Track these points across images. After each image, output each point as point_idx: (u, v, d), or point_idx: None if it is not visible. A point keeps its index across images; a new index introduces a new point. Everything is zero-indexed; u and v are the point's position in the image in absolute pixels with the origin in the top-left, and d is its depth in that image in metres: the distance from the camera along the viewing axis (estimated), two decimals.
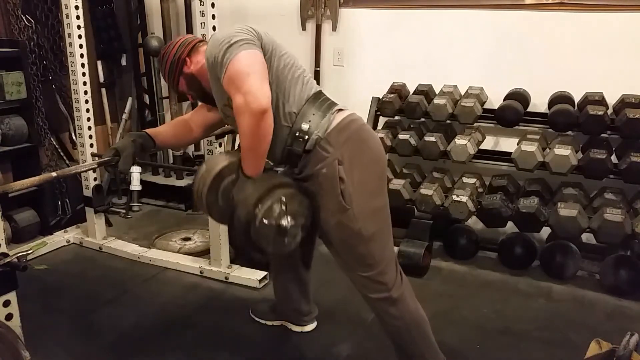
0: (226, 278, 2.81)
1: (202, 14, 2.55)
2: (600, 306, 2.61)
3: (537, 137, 2.95)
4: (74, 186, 3.43)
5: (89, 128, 3.06)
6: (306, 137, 1.70)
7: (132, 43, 4.07)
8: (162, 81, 3.98)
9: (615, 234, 2.59)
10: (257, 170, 1.65)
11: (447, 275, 2.95)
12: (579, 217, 2.66)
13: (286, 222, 1.63)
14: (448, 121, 3.15)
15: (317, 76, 3.62)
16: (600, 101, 2.88)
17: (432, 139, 3.06)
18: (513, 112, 2.98)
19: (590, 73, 2.97)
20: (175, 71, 1.91)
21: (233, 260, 2.89)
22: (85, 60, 2.98)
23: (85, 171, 3.00)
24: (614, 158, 2.85)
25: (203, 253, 3.10)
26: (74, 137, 3.57)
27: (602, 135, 2.87)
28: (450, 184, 3.19)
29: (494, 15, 3.14)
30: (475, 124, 3.11)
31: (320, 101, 1.76)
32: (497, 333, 2.38)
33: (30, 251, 2.48)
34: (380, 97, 3.34)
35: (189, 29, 3.86)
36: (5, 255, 1.75)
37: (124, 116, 4.13)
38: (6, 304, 1.78)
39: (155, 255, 3.07)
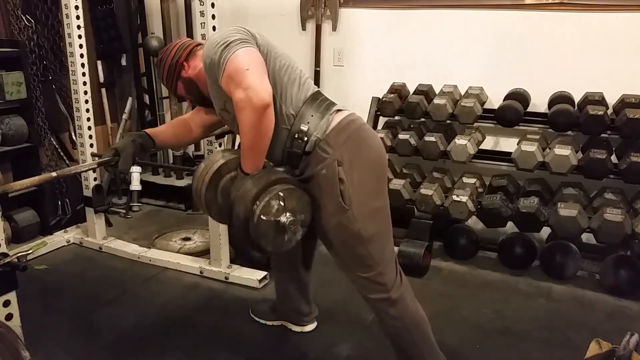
0: (226, 278, 2.81)
1: (202, 14, 2.55)
2: (600, 306, 2.61)
3: (537, 137, 2.95)
4: (74, 186, 3.43)
5: (89, 128, 3.06)
6: (305, 138, 1.70)
7: (132, 43, 4.07)
8: None
9: (615, 234, 2.59)
10: (256, 167, 1.65)
11: (447, 275, 2.95)
12: (579, 217, 2.66)
13: (285, 218, 1.62)
14: (448, 121, 3.15)
15: (317, 76, 3.62)
16: (600, 101, 2.88)
17: (432, 139, 3.06)
18: (513, 112, 2.98)
19: (590, 73, 2.97)
20: (173, 75, 1.91)
21: (233, 260, 2.89)
22: (85, 60, 2.98)
23: (85, 171, 3.01)
24: (614, 158, 2.85)
25: (203, 253, 3.10)
26: (74, 137, 3.57)
27: (602, 135, 2.87)
28: (450, 184, 3.19)
29: (494, 15, 3.14)
30: (475, 124, 3.11)
31: (319, 102, 1.75)
32: (497, 333, 2.38)
33: (30, 251, 2.48)
34: (380, 97, 3.34)
35: (189, 29, 3.86)
36: (5, 255, 1.75)
37: (124, 116, 4.13)
38: (6, 304, 1.78)
39: (155, 255, 3.07)
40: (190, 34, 3.84)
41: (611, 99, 2.91)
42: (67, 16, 2.88)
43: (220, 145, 2.75)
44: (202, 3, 2.53)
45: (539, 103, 3.11)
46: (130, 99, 4.15)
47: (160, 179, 4.05)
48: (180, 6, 3.95)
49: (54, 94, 3.59)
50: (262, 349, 2.29)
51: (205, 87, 1.82)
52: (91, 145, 3.08)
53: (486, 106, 3.15)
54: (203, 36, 2.57)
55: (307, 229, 1.73)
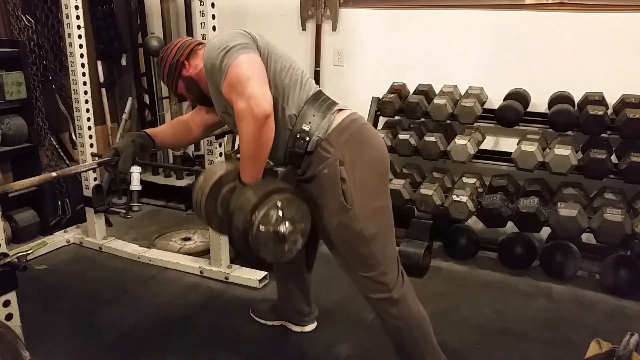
0: (226, 278, 2.81)
1: (202, 14, 2.55)
2: (600, 306, 2.61)
3: (537, 137, 2.95)
4: (74, 186, 3.43)
5: (89, 128, 3.06)
6: (307, 138, 1.70)
7: (132, 43, 4.07)
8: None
9: (615, 234, 2.59)
10: (255, 178, 1.64)
11: (447, 275, 2.95)
12: (579, 217, 2.66)
13: (284, 228, 1.60)
14: (448, 121, 3.15)
15: (317, 76, 3.62)
16: (600, 101, 2.88)
17: (432, 139, 3.06)
18: (513, 112, 2.98)
19: (590, 73, 2.97)
20: (174, 74, 1.90)
21: (233, 260, 2.89)
22: (85, 60, 2.98)
23: (85, 171, 3.00)
24: (614, 158, 2.85)
25: (203, 253, 3.10)
26: (74, 137, 3.57)
27: (602, 135, 2.87)
28: (450, 184, 3.19)
29: (494, 15, 3.14)
30: (475, 124, 3.11)
31: (320, 101, 1.75)
32: (497, 333, 2.38)
33: (30, 251, 2.48)
34: (380, 97, 3.34)
35: (189, 29, 3.86)
36: (5, 255, 1.75)
37: (124, 116, 4.13)
38: (6, 304, 1.79)
39: (155, 255, 3.07)
40: (190, 34, 3.84)
41: (611, 99, 2.91)
42: (67, 16, 2.88)
43: (220, 145, 2.75)
44: (202, 3, 2.53)
45: (539, 103, 3.11)
46: (130, 99, 4.15)
47: (160, 179, 4.04)
48: (180, 6, 3.95)
49: (54, 94, 3.59)
50: (262, 349, 2.29)
51: (206, 86, 1.82)
52: (91, 145, 3.08)
53: (486, 106, 3.15)
54: (203, 36, 2.57)
55: (307, 235, 1.72)
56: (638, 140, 2.76)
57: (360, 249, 1.75)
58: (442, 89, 3.24)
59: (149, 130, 2.20)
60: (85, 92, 3.03)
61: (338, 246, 1.79)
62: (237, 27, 1.70)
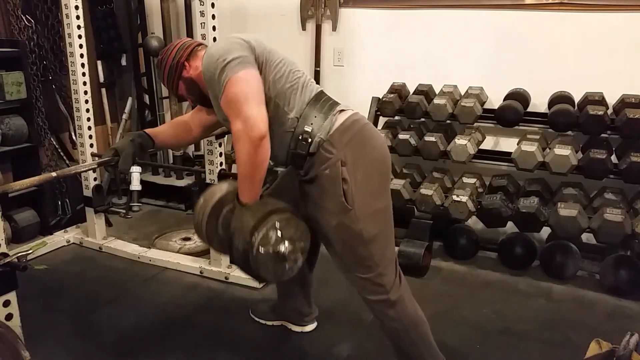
0: (226, 278, 2.81)
1: (202, 14, 2.55)
2: (600, 306, 2.61)
3: (537, 137, 2.95)
4: (74, 186, 3.43)
5: (89, 128, 3.06)
6: (309, 139, 1.70)
7: (132, 43, 4.07)
8: None
9: (615, 234, 2.59)
10: (253, 198, 1.67)
11: (447, 275, 2.95)
12: (579, 217, 2.66)
13: (284, 247, 1.64)
14: (448, 121, 3.15)
15: (317, 76, 3.62)
16: (600, 101, 2.88)
17: (432, 139, 3.06)
18: (513, 112, 2.98)
19: (590, 73, 2.97)
20: (174, 76, 1.90)
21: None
22: (85, 60, 2.98)
23: (85, 171, 3.01)
24: (614, 158, 2.85)
25: (203, 253, 3.10)
26: (74, 137, 3.57)
27: (602, 135, 2.87)
28: (450, 184, 3.19)
29: (494, 15, 3.14)
30: (475, 124, 3.11)
31: (322, 102, 1.76)
32: (497, 333, 2.38)
33: (30, 251, 2.48)
34: (380, 97, 3.34)
35: (189, 29, 3.86)
36: (5, 255, 1.75)
37: (124, 116, 4.13)
38: (6, 304, 1.79)
39: (155, 255, 3.07)
40: (190, 34, 3.84)
41: (611, 99, 2.91)
42: (67, 16, 2.88)
43: (220, 145, 2.75)
44: (202, 3, 2.53)
45: (539, 103, 3.11)
46: (130, 99, 4.15)
47: (160, 179, 4.04)
48: (180, 6, 3.94)
49: (54, 94, 3.59)
50: (262, 349, 2.29)
51: (206, 88, 1.82)
52: (91, 145, 3.08)
53: (486, 106, 3.15)
54: (203, 36, 2.57)
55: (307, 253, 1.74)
56: (638, 140, 2.75)
57: (359, 249, 1.75)
58: (442, 89, 3.24)
59: (148, 130, 2.20)
60: (85, 92, 3.03)
61: (337, 247, 1.79)
62: (236, 32, 1.71)
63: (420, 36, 3.34)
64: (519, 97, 3.07)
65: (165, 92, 4.08)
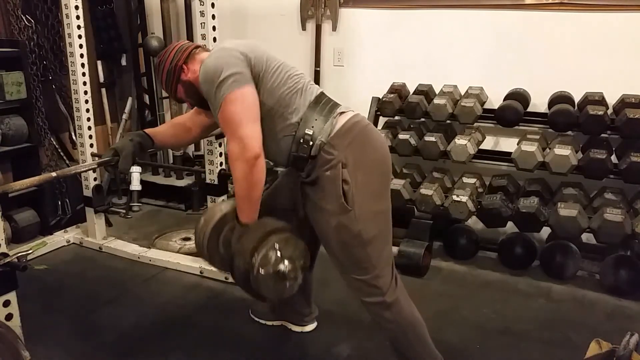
0: (226, 278, 2.81)
1: (202, 14, 2.55)
2: (600, 306, 2.61)
3: (537, 137, 2.95)
4: (74, 186, 3.43)
5: (89, 128, 3.06)
6: (310, 142, 1.71)
7: (132, 43, 4.07)
8: None
9: (615, 234, 2.59)
10: (251, 217, 1.72)
11: (447, 275, 2.95)
12: (579, 217, 2.66)
13: (284, 266, 1.68)
14: (448, 121, 3.15)
15: (317, 76, 3.62)
16: (600, 101, 2.88)
17: (432, 139, 3.06)
18: (513, 112, 2.98)
19: (590, 73, 2.97)
20: (172, 79, 1.89)
21: None
22: (85, 60, 2.98)
23: (85, 171, 3.01)
24: (614, 158, 2.85)
25: None
26: (74, 137, 3.57)
27: (602, 135, 2.87)
28: (450, 184, 3.19)
29: (494, 15, 3.14)
30: (475, 124, 3.11)
31: (322, 105, 1.76)
32: (497, 333, 2.38)
33: (30, 251, 2.48)
34: (380, 97, 3.34)
35: (189, 29, 3.86)
36: (5, 255, 1.75)
37: (124, 116, 4.13)
38: (6, 304, 1.79)
39: (155, 255, 3.07)
40: (190, 34, 3.84)
41: (611, 99, 2.91)
42: (67, 16, 2.88)
43: (220, 145, 2.75)
44: (202, 3, 2.53)
45: (539, 103, 3.11)
46: (130, 99, 4.15)
47: (160, 179, 4.05)
48: (180, 6, 3.94)
49: (54, 94, 3.59)
50: (262, 349, 2.29)
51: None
52: (91, 145, 3.08)
53: (486, 106, 3.15)
54: (203, 36, 2.57)
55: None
56: (638, 140, 2.75)
57: (356, 250, 1.76)
58: (442, 89, 3.24)
59: (148, 130, 2.20)
60: (85, 92, 3.03)
61: (335, 247, 1.80)
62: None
63: (420, 36, 3.34)
64: (519, 97, 3.07)
65: (165, 92, 4.07)
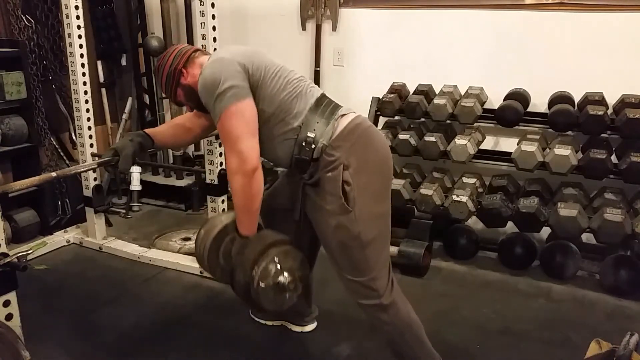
0: None
1: (202, 14, 2.55)
2: (600, 306, 2.61)
3: (537, 137, 2.95)
4: (74, 186, 3.43)
5: (89, 128, 3.06)
6: (313, 145, 1.72)
7: (132, 43, 4.07)
8: None
9: (615, 234, 2.59)
10: (251, 229, 1.75)
11: (447, 275, 2.95)
12: (579, 217, 2.66)
13: (283, 278, 1.71)
14: (448, 121, 3.15)
15: (317, 76, 3.62)
16: (600, 101, 2.88)
17: (432, 139, 3.06)
18: (513, 112, 2.98)
19: (590, 73, 2.97)
20: (172, 83, 1.90)
21: None
22: (85, 60, 2.98)
23: (85, 171, 3.01)
24: (614, 158, 2.85)
25: None
26: (74, 137, 3.57)
27: (602, 135, 2.87)
28: (450, 184, 3.19)
29: (494, 15, 3.14)
30: (475, 124, 3.11)
31: (323, 107, 1.77)
32: (497, 333, 2.38)
33: (30, 251, 2.48)
34: (380, 97, 3.34)
35: (189, 29, 3.86)
36: (5, 255, 1.75)
37: (124, 116, 4.13)
38: (6, 304, 1.79)
39: (155, 255, 3.07)
40: (190, 34, 3.84)
41: (611, 99, 2.91)
42: (67, 16, 2.88)
43: (220, 145, 2.75)
44: (202, 3, 2.53)
45: (539, 103, 3.11)
46: (130, 99, 4.15)
47: (160, 179, 4.05)
48: (180, 6, 3.94)
49: (54, 94, 3.59)
50: (262, 349, 2.29)
51: None
52: (91, 145, 3.08)
53: (486, 106, 3.15)
54: (203, 36, 2.57)
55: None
56: (638, 140, 2.75)
57: (355, 252, 1.76)
58: (442, 89, 3.24)
59: (148, 130, 2.20)
60: (85, 92, 3.03)
61: (333, 248, 1.80)
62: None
63: (420, 36, 3.34)
64: (519, 97, 3.07)
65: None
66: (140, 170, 3.90)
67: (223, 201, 2.86)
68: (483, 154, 3.13)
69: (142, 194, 3.93)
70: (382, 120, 3.43)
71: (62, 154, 3.60)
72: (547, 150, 2.88)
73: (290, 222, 1.92)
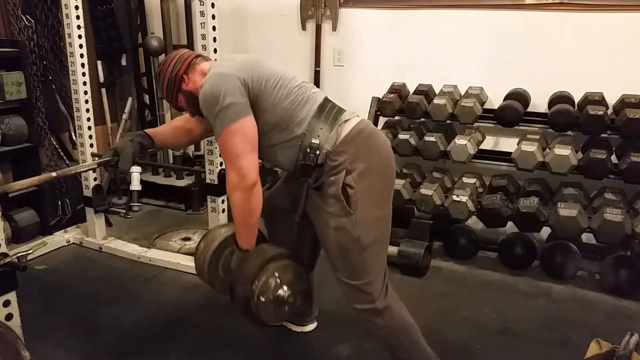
0: None
1: (202, 14, 2.55)
2: (600, 306, 2.61)
3: (537, 137, 2.95)
4: (74, 186, 3.43)
5: (89, 128, 3.06)
6: (317, 152, 1.73)
7: (132, 43, 4.07)
8: None
9: (615, 234, 2.59)
10: (250, 243, 1.79)
11: (447, 275, 2.95)
12: (579, 217, 2.66)
13: (283, 292, 1.75)
14: (448, 121, 3.15)
15: (317, 76, 3.63)
16: (600, 101, 2.88)
17: (432, 139, 3.06)
18: (513, 112, 2.98)
19: (590, 73, 2.97)
20: (173, 89, 1.89)
21: None
22: (85, 60, 2.98)
23: (85, 171, 3.01)
24: (614, 158, 2.85)
25: None
26: (74, 137, 3.57)
27: (602, 135, 2.87)
28: (450, 184, 3.19)
29: (494, 15, 3.14)
30: (475, 124, 3.11)
31: (326, 112, 1.77)
32: (497, 333, 2.38)
33: (30, 251, 2.48)
34: (380, 97, 3.34)
35: (189, 29, 3.86)
36: (5, 255, 1.75)
37: (124, 116, 4.13)
38: (6, 304, 1.79)
39: (155, 255, 3.07)
40: (190, 33, 3.84)
41: (611, 99, 2.91)
42: (67, 16, 2.88)
43: None
44: (202, 3, 2.53)
45: (539, 103, 3.11)
46: (130, 99, 4.15)
47: (160, 179, 4.05)
48: (180, 6, 3.94)
49: (54, 94, 3.59)
50: (262, 349, 2.29)
51: None
52: (91, 145, 3.08)
53: (486, 106, 3.15)
54: (203, 36, 2.57)
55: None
56: (638, 140, 2.75)
57: (353, 255, 1.76)
58: (442, 89, 3.24)
59: (148, 130, 2.20)
60: (85, 92, 3.03)
61: (332, 249, 1.80)
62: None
63: (420, 36, 3.34)
64: (519, 97, 3.07)
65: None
66: (140, 170, 3.90)
67: (223, 201, 2.86)
68: (483, 154, 3.13)
69: (142, 194, 3.93)
70: (382, 120, 3.43)
71: (62, 154, 3.60)
72: (547, 150, 2.88)
73: (291, 222, 1.92)
